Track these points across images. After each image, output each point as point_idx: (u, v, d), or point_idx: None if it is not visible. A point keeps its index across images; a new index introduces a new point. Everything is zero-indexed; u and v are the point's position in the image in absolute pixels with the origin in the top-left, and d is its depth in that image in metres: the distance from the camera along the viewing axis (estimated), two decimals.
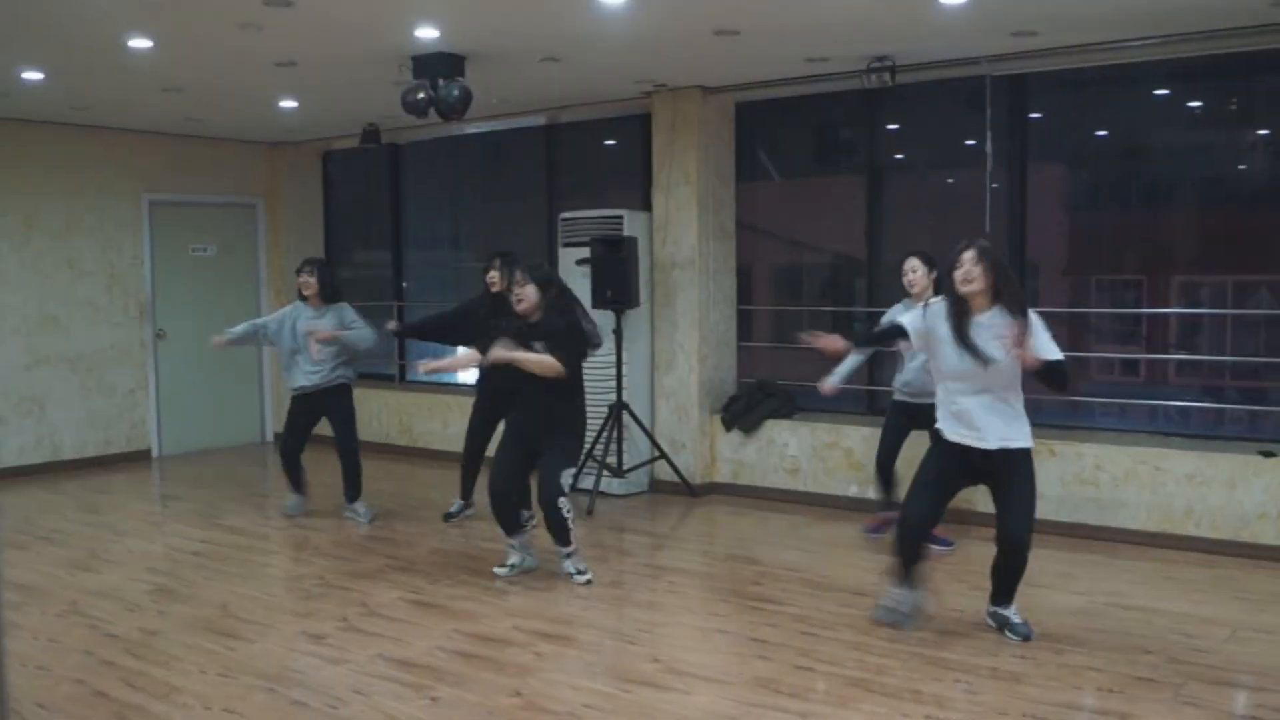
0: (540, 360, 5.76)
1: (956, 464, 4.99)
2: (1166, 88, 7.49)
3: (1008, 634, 5.06)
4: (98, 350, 10.04)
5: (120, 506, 8.42)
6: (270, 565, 6.65)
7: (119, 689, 4.62)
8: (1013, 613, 5.11)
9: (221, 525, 7.61)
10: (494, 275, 7.00)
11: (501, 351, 5.84)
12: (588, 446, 7.04)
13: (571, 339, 5.86)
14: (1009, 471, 4.89)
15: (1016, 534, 4.88)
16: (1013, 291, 4.82)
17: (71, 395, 9.87)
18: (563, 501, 5.90)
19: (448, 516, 7.57)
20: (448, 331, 7.38)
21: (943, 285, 5.22)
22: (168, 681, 4.69)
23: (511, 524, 6.16)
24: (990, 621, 5.18)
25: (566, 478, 5.97)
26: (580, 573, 6.08)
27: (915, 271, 6.41)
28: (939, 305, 4.97)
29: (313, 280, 7.46)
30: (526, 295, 5.87)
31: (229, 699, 4.49)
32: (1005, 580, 5.08)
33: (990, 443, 4.85)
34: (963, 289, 4.80)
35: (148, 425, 10.42)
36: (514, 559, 6.25)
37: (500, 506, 6.07)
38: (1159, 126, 7.58)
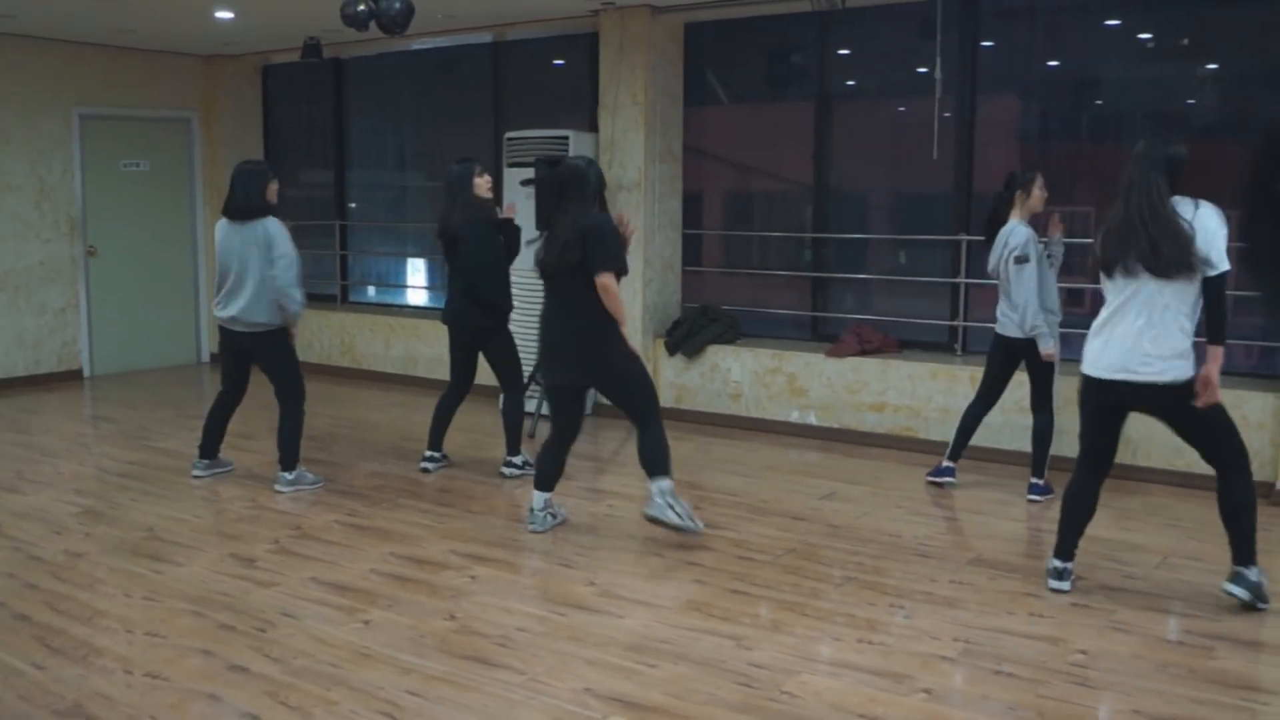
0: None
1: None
2: (1118, 18, 7.41)
3: (1259, 605, 4.48)
4: (27, 267, 9.75)
5: (50, 427, 8.23)
6: (200, 488, 6.52)
7: (42, 612, 4.51)
8: (1254, 572, 4.51)
9: (153, 447, 7.46)
10: (487, 177, 6.48)
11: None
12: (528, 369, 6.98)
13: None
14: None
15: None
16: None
17: None
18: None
19: None
20: None
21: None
22: (91, 605, 4.59)
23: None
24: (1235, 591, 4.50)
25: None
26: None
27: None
28: None
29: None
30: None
31: (154, 622, 4.40)
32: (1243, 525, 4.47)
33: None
34: None
35: (79, 345, 10.17)
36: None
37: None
38: (1110, 58, 7.51)
